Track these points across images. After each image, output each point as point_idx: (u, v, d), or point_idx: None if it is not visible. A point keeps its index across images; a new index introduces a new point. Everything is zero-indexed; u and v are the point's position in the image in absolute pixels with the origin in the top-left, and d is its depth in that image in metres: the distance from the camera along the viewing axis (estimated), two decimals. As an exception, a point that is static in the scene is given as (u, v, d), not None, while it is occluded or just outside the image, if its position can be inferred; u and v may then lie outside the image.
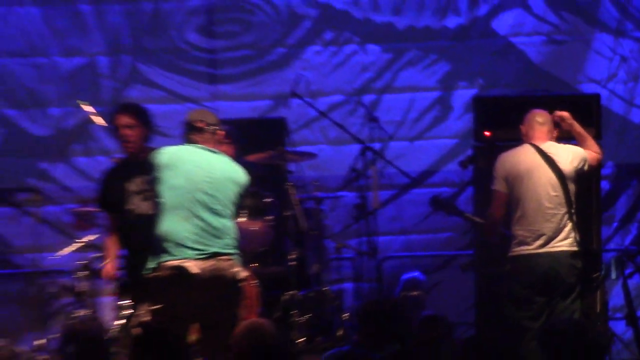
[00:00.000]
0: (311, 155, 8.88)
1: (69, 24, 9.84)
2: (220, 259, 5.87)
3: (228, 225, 6.01)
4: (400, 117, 9.90)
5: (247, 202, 7.67)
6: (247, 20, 9.92)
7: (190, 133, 6.17)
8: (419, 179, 9.77)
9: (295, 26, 9.89)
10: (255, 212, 7.92)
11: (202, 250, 5.82)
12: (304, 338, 7.97)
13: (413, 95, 9.92)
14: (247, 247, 7.31)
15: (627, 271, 8.05)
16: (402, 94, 9.94)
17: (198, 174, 5.98)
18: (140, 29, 9.91)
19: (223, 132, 6.50)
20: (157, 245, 5.94)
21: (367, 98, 9.76)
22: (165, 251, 5.83)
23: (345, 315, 8.49)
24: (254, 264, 7.88)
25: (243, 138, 7.98)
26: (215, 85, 9.90)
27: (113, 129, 7.07)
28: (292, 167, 8.69)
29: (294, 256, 8.26)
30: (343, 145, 9.62)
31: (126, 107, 7.10)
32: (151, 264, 5.89)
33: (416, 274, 9.07)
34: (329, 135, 9.83)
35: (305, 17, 9.93)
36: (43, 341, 8.22)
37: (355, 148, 8.92)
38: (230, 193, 6.04)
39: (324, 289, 8.43)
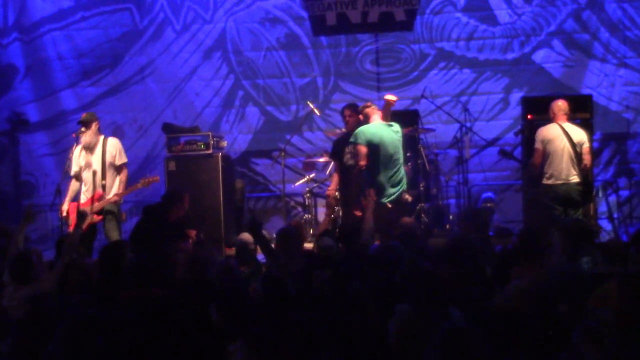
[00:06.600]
0: (432, 130, 10.98)
1: (301, 59, 12.25)
2: None
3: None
4: (481, 108, 11.87)
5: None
6: (397, 56, 12.09)
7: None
8: (491, 142, 11.65)
9: (423, 60, 12.05)
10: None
11: None
12: (428, 229, 9.86)
13: (488, 96, 11.91)
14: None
15: (608, 192, 11.09)
16: (482, 95, 11.95)
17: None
18: (339, 62, 12.24)
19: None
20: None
21: (463, 98, 11.82)
22: None
23: (451, 217, 10.91)
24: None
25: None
26: (380, 92, 11.72)
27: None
28: (421, 136, 10.72)
29: (422, 184, 10.33)
30: (449, 124, 11.48)
31: (349, 105, 9.31)
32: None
33: (490, 194, 11.14)
34: (442, 119, 11.70)
35: (429, 55, 12.09)
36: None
37: (456, 126, 11.08)
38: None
39: (439, 202, 10.91)
